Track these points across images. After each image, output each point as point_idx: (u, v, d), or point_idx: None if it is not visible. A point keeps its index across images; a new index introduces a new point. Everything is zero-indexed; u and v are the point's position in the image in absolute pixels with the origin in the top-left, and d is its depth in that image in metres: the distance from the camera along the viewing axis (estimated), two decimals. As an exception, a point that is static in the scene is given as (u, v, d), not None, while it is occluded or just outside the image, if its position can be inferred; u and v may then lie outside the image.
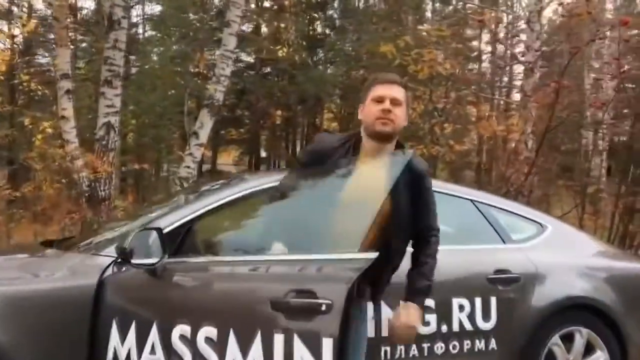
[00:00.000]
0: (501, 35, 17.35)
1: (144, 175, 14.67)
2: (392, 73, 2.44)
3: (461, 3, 16.25)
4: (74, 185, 6.91)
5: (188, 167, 7.81)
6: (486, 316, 2.90)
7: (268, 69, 20.39)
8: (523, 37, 13.21)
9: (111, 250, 2.42)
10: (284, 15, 18.47)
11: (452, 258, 2.74)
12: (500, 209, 3.28)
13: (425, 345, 2.77)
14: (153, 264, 2.23)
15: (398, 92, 2.29)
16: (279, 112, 21.51)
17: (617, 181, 9.23)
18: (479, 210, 3.19)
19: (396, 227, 2.27)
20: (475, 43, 20.77)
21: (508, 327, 2.94)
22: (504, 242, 3.15)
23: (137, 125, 14.81)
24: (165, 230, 2.44)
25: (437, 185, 2.63)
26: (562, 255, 3.24)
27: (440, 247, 2.37)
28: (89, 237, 2.89)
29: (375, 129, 2.26)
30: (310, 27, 20.10)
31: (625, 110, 10.92)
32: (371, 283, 2.34)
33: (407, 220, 2.30)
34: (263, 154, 24.10)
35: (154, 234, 2.28)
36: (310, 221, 2.15)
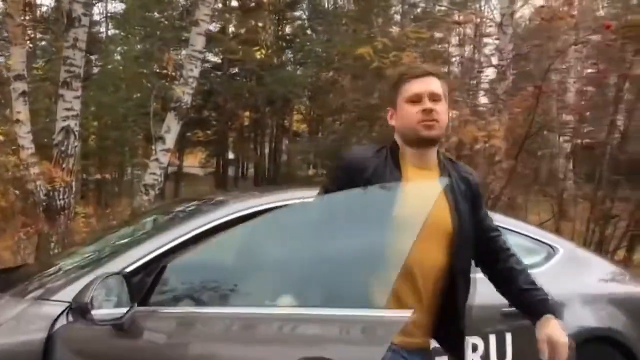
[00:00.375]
0: (472, 37, 17.30)
1: (106, 180, 14.05)
2: (424, 64, 2.07)
3: (430, 5, 16.12)
4: (29, 194, 6.42)
5: (154, 173, 7.45)
6: (501, 356, 2.57)
7: (236, 70, 19.95)
8: (495, 39, 13.12)
9: (63, 295, 1.98)
10: (261, 13, 17.98)
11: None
12: (508, 230, 2.96)
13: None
14: (119, 318, 1.79)
15: (435, 85, 1.91)
16: (246, 114, 21.10)
17: (593, 186, 9.15)
18: (486, 233, 2.87)
19: (463, 245, 1.91)
20: (441, 46, 20.71)
21: (523, 367, 2.63)
22: (514, 268, 2.83)
23: (99, 128, 14.19)
24: (132, 268, 2.03)
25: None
26: (576, 281, 2.95)
27: None
28: (39, 269, 2.44)
29: (420, 135, 1.88)
30: (279, 28, 19.73)
31: (588, 113, 10.89)
32: (444, 329, 1.96)
33: (472, 235, 1.96)
34: (231, 155, 23.61)
35: (120, 280, 1.85)
36: (339, 260, 1.67)
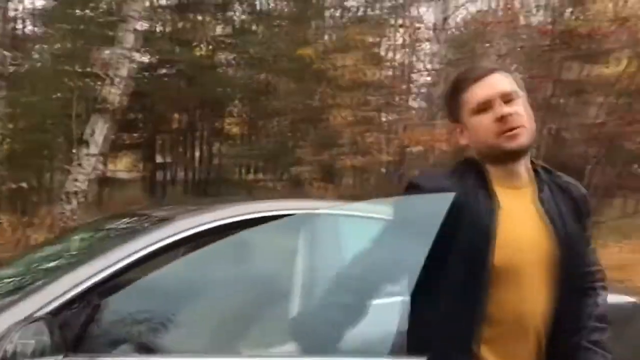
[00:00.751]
0: (406, 42, 17.44)
1: (23, 188, 13.07)
2: (480, 63, 1.75)
3: (368, 9, 16.11)
4: None
5: (76, 180, 6.97)
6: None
7: (165, 70, 19.19)
8: (431, 43, 13.24)
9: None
10: (198, 8, 17.34)
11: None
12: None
13: None
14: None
15: (504, 83, 1.59)
16: (177, 116, 20.43)
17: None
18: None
19: (569, 279, 1.57)
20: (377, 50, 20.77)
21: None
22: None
23: (15, 131, 13.18)
24: (62, 301, 1.64)
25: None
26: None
27: None
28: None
29: (505, 149, 1.56)
30: (214, 28, 19.16)
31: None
32: None
33: (581, 263, 1.63)
34: (160, 159, 22.74)
35: (43, 324, 1.46)
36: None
